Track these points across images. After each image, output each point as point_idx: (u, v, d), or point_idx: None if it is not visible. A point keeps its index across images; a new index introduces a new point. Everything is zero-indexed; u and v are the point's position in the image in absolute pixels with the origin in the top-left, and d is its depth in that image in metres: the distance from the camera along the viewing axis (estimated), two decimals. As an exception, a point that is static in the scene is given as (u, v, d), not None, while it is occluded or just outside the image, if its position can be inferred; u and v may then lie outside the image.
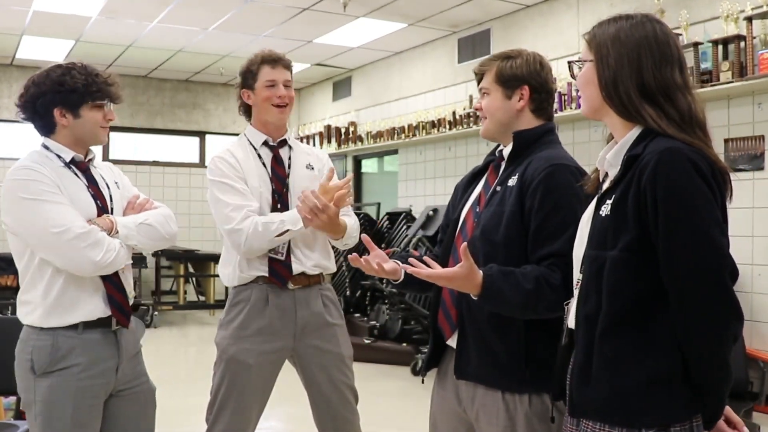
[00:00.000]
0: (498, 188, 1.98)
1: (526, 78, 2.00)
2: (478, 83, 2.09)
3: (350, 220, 2.72)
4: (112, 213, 2.28)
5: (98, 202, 2.25)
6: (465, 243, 1.75)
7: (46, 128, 2.26)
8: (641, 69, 1.54)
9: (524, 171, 1.92)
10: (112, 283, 2.23)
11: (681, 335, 1.45)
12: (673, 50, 1.56)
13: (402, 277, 1.99)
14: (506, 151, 2.03)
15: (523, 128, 2.01)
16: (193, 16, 7.02)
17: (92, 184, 2.27)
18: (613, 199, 1.52)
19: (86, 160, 2.30)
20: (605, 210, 1.53)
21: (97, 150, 2.38)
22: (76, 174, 2.25)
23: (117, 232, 2.22)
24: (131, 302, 2.32)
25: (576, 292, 1.61)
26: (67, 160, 2.24)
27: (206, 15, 6.99)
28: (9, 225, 2.17)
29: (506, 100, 2.01)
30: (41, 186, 2.13)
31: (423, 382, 2.21)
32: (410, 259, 1.83)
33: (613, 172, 1.58)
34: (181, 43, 8.06)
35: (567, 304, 1.68)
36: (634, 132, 1.56)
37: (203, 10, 6.84)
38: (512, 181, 1.94)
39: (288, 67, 2.73)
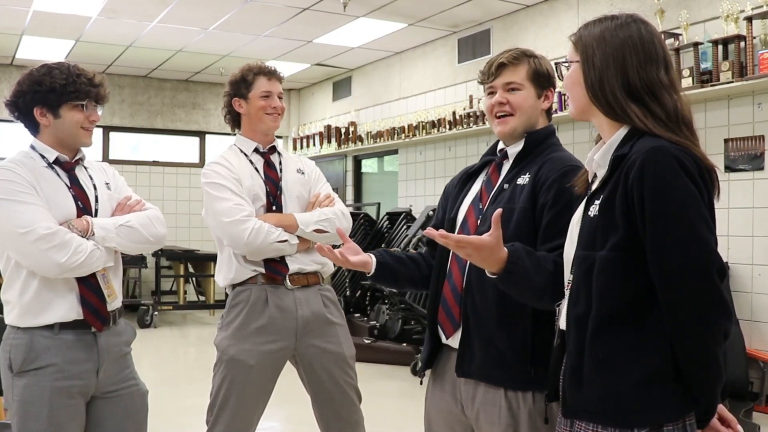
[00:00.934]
0: (506, 186, 1.97)
1: (552, 80, 2.01)
2: (496, 77, 2.00)
3: (306, 215, 2.70)
4: (96, 214, 2.25)
5: (79, 202, 2.23)
6: (499, 209, 1.69)
7: (32, 128, 2.27)
8: (626, 69, 1.54)
9: (538, 170, 1.93)
10: (87, 285, 2.19)
11: (671, 334, 1.45)
12: (658, 50, 1.57)
13: (373, 270, 1.98)
14: (512, 150, 2.03)
15: (535, 129, 2.02)
16: (193, 16, 7.03)
17: (75, 184, 2.26)
18: (601, 200, 1.53)
19: (73, 160, 2.29)
20: (594, 210, 1.54)
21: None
22: (58, 174, 2.24)
23: (93, 234, 2.18)
24: (113, 305, 2.27)
25: (567, 293, 1.62)
26: (51, 161, 2.24)
27: (206, 15, 6.99)
28: None
29: (537, 99, 2.01)
30: (14, 186, 2.12)
31: (422, 383, 2.20)
32: (429, 229, 1.79)
33: (601, 173, 1.58)
34: (181, 43, 8.06)
35: (558, 306, 1.68)
36: (621, 132, 1.57)
37: (203, 10, 6.84)
38: (522, 180, 1.94)
39: (281, 80, 2.83)
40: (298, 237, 2.66)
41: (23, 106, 2.23)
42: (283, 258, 2.65)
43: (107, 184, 2.36)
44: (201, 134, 10.30)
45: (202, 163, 10.18)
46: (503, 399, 1.89)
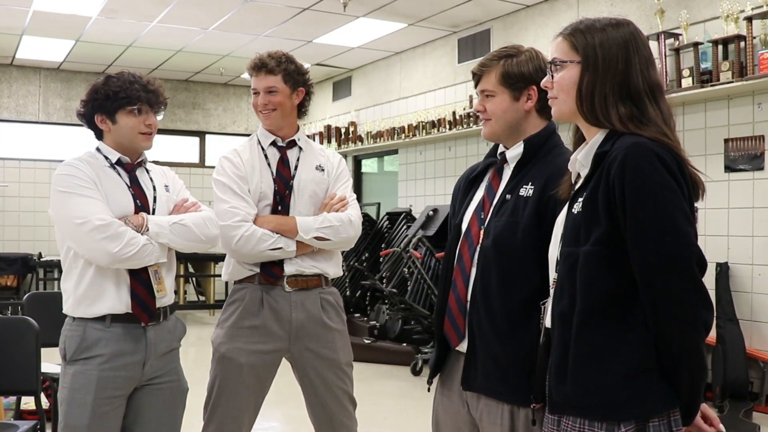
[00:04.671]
0: (508, 196, 1.93)
1: (533, 77, 1.94)
2: (477, 84, 2.03)
3: (309, 220, 2.63)
4: (153, 213, 2.38)
5: (138, 201, 2.37)
6: None
7: (97, 133, 2.44)
8: (629, 71, 1.56)
9: (544, 184, 1.87)
10: (138, 279, 2.31)
11: (652, 326, 1.46)
12: (650, 52, 1.61)
13: None
14: (510, 154, 1.99)
15: (530, 131, 1.97)
16: (193, 16, 7.03)
17: (134, 184, 2.40)
18: (584, 197, 1.54)
19: (135, 162, 2.42)
20: (577, 207, 1.55)
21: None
22: (119, 174, 2.38)
23: (147, 229, 2.30)
24: (163, 301, 2.36)
25: (552, 292, 1.62)
26: (113, 161, 2.38)
27: (206, 15, 6.99)
28: (51, 215, 2.33)
29: (514, 102, 1.96)
30: (75, 180, 2.27)
31: (429, 390, 2.19)
32: None
33: (584, 172, 1.60)
34: (181, 43, 8.07)
35: (543, 304, 1.69)
36: (604, 131, 1.58)
37: (203, 10, 6.84)
38: (525, 191, 1.90)
39: (272, 71, 2.63)
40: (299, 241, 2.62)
41: (87, 114, 2.40)
42: (281, 262, 2.62)
43: (166, 186, 2.49)
44: (201, 134, 10.31)
45: (202, 163, 10.19)
46: (505, 405, 1.88)
